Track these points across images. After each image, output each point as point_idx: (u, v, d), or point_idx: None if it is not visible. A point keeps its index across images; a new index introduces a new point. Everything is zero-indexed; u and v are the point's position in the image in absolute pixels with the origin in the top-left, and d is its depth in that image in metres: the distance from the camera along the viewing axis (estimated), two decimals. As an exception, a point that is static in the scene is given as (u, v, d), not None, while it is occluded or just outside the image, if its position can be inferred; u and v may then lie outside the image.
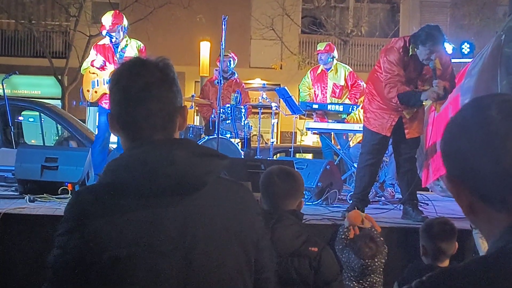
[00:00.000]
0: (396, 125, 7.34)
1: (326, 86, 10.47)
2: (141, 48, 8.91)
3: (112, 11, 8.98)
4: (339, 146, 10.34)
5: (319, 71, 10.60)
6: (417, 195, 7.71)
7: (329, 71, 10.47)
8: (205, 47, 20.13)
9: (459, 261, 4.38)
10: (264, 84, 10.65)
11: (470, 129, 1.48)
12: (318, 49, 10.74)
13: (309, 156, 15.54)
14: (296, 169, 7.63)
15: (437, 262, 4.44)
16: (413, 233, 4.74)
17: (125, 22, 8.89)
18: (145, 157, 1.97)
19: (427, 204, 8.33)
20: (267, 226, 3.78)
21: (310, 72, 10.82)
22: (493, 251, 1.46)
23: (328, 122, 10.07)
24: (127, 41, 8.87)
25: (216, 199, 2.04)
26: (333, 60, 10.49)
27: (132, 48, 8.84)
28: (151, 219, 1.95)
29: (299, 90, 10.93)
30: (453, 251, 4.44)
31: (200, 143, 9.40)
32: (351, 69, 10.71)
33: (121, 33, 8.80)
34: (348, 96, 10.49)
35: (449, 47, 12.25)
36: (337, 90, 10.44)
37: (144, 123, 2.06)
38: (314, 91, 10.61)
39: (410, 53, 6.95)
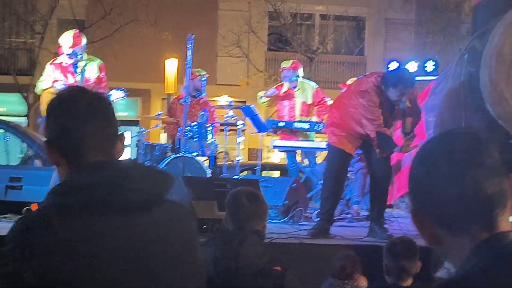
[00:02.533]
0: (365, 144, 7.42)
1: (295, 104, 10.48)
2: (101, 65, 8.83)
3: (72, 31, 8.86)
4: (307, 163, 10.38)
5: (285, 89, 10.56)
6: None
7: (296, 89, 10.48)
8: (171, 65, 20.11)
9: (423, 280, 4.42)
10: (231, 102, 10.65)
11: (434, 161, 1.57)
12: (283, 66, 10.70)
13: (276, 173, 15.58)
14: (262, 188, 7.71)
15: (400, 281, 4.47)
16: (379, 251, 4.77)
17: (84, 41, 8.81)
18: (93, 178, 1.97)
19: (392, 221, 8.40)
20: (231, 246, 3.81)
21: (275, 88, 10.77)
22: (461, 273, 1.54)
23: (295, 140, 10.10)
24: (86, 60, 8.78)
25: (163, 219, 2.04)
26: (297, 78, 10.50)
27: (92, 67, 8.75)
28: (99, 239, 1.93)
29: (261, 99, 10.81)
30: (416, 270, 4.47)
31: (166, 162, 9.45)
32: (317, 86, 10.74)
33: (80, 52, 8.72)
34: (315, 113, 10.52)
35: (413, 65, 12.39)
36: (306, 108, 10.47)
37: (86, 146, 2.05)
38: (283, 110, 10.58)
39: (383, 93, 7.09)
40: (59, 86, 8.50)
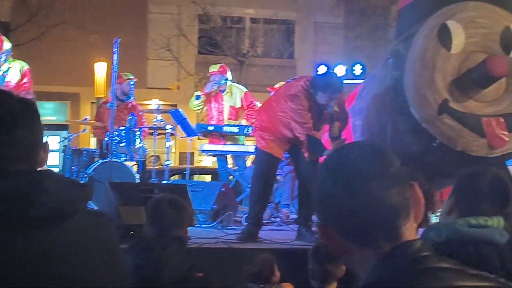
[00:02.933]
0: (293, 147, 7.45)
1: (223, 108, 10.46)
2: (25, 70, 8.65)
3: None
4: (236, 167, 10.38)
5: (214, 88, 10.50)
6: (313, 214, 7.81)
7: (224, 93, 10.46)
8: (100, 68, 19.93)
9: (347, 283, 4.45)
10: (159, 106, 10.58)
11: (337, 174, 1.58)
12: (211, 70, 10.66)
13: (207, 177, 15.55)
14: (190, 192, 7.68)
15: (325, 285, 4.50)
16: (307, 255, 4.78)
17: (6, 46, 8.62)
18: (13, 187, 1.92)
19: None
20: (152, 253, 3.79)
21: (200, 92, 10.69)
22: (366, 283, 1.54)
23: (224, 144, 10.08)
24: (9, 63, 8.60)
25: (82, 229, 2.01)
26: (226, 82, 10.48)
27: (14, 71, 8.57)
28: (18, 249, 1.90)
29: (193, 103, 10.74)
30: (341, 274, 4.50)
31: (94, 167, 9.32)
32: (246, 90, 10.73)
33: (3, 56, 8.54)
34: (245, 117, 10.52)
35: (341, 69, 12.54)
36: (234, 112, 10.46)
37: (7, 153, 2.00)
38: (211, 112, 10.55)
39: (312, 96, 7.14)
40: None
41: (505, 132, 6.68)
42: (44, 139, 2.13)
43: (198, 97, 10.53)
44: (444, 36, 6.70)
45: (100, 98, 18.17)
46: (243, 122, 10.45)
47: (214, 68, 10.64)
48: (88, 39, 21.69)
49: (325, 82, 7.12)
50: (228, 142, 10.13)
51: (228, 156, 10.51)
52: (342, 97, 7.37)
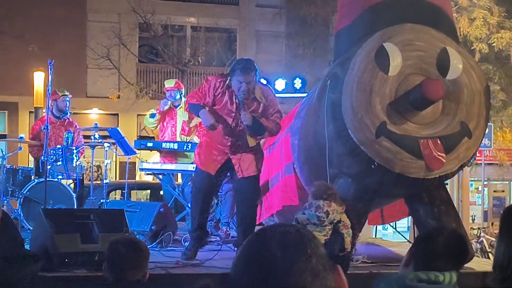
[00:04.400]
0: (228, 166, 7.42)
1: (176, 123, 10.35)
2: None
3: None
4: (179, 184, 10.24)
5: (167, 107, 10.40)
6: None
7: (178, 108, 10.35)
8: (39, 77, 19.55)
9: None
10: (95, 124, 10.38)
11: (251, 268, 1.49)
12: (166, 86, 10.57)
13: (146, 192, 15.38)
14: (128, 213, 7.55)
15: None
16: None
17: None
18: None
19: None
20: None
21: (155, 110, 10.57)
22: None
23: (175, 162, 9.92)
24: None
25: None
26: (181, 97, 10.39)
27: None
28: None
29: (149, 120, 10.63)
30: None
31: (29, 186, 9.14)
32: None
33: None
34: (197, 134, 10.38)
35: (281, 83, 12.55)
36: (186, 128, 10.35)
37: None
38: (166, 129, 10.44)
39: (227, 84, 7.21)
40: None
41: (442, 154, 6.73)
42: None
43: (153, 115, 10.45)
44: (382, 59, 6.73)
45: (38, 108, 17.84)
46: (195, 139, 10.31)
47: (169, 84, 10.56)
48: (26, 48, 21.33)
49: (235, 65, 7.25)
50: (180, 159, 10.01)
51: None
52: (270, 95, 7.42)
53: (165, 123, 10.45)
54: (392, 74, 6.73)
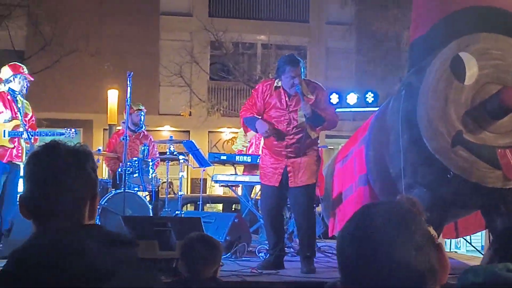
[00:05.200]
0: (284, 176, 7.44)
1: (260, 137, 10.44)
2: (30, 108, 8.77)
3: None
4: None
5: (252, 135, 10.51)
6: (325, 245, 7.76)
7: None
8: (113, 95, 19.97)
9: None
10: (171, 137, 10.57)
11: (357, 240, 1.54)
12: None
13: (219, 206, 15.50)
14: (204, 224, 7.66)
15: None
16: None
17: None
18: (52, 246, 1.91)
19: (335, 254, 8.37)
20: None
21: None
22: None
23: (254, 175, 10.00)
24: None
25: None
26: None
27: (27, 105, 8.67)
28: None
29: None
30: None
31: (107, 197, 9.33)
32: None
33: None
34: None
35: (353, 97, 12.54)
36: None
37: (49, 210, 2.03)
38: (250, 143, 10.60)
39: (275, 86, 7.29)
40: (8, 118, 8.35)
41: (520, 163, 6.62)
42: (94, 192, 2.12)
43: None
44: (457, 68, 6.67)
45: (112, 125, 18.21)
46: None
47: None
48: (100, 66, 21.86)
49: (282, 63, 7.31)
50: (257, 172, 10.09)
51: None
52: (317, 87, 7.45)
53: (254, 141, 10.58)
54: (468, 83, 6.66)
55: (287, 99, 7.29)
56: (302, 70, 7.30)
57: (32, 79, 8.68)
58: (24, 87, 8.55)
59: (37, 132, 8.69)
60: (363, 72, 23.08)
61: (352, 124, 21.78)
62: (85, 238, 1.94)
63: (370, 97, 12.85)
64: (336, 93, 12.58)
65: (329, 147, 20.42)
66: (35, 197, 2.06)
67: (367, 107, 12.20)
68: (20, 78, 8.53)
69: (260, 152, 10.18)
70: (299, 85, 7.13)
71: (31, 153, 2.15)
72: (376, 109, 11.23)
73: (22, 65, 8.75)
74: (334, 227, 9.11)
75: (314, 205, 7.95)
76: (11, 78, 8.50)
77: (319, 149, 7.97)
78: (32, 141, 8.37)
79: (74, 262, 1.89)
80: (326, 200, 9.49)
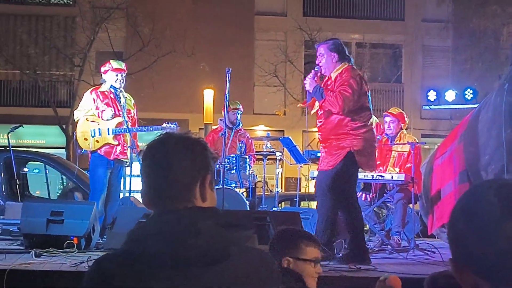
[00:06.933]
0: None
1: None
2: (133, 102, 9.01)
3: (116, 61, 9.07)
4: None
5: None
6: (424, 242, 7.66)
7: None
8: (208, 95, 20.16)
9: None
10: (268, 134, 10.65)
11: (469, 214, 1.56)
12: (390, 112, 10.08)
13: (315, 203, 15.47)
14: (302, 219, 7.68)
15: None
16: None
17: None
18: (169, 227, 1.97)
19: (434, 252, 8.29)
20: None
21: None
22: None
23: None
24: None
25: (239, 270, 1.99)
26: None
27: (129, 102, 8.92)
28: None
29: None
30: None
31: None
32: (377, 120, 10.25)
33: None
34: None
35: (451, 94, 12.33)
36: None
37: (165, 190, 2.09)
38: None
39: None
40: (110, 116, 8.62)
41: None
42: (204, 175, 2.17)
43: None
44: None
45: (208, 124, 18.42)
46: None
47: (393, 111, 10.13)
48: (196, 66, 22.16)
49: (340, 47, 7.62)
50: None
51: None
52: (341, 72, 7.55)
53: None
54: None
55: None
56: (321, 52, 7.66)
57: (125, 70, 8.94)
58: (123, 82, 8.80)
59: (138, 128, 8.92)
60: (460, 70, 22.66)
61: (449, 123, 21.44)
62: (200, 219, 1.98)
63: (469, 94, 12.62)
64: (434, 90, 12.39)
65: (424, 147, 20.13)
66: (150, 182, 2.13)
67: (466, 104, 11.97)
68: (120, 75, 8.78)
69: None
70: (319, 67, 7.62)
71: (146, 147, 2.21)
72: (475, 106, 11.02)
73: (120, 61, 9.03)
74: (433, 224, 8.98)
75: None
76: (112, 76, 8.76)
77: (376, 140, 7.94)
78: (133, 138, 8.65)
79: (189, 242, 1.94)
80: (424, 198, 9.37)
